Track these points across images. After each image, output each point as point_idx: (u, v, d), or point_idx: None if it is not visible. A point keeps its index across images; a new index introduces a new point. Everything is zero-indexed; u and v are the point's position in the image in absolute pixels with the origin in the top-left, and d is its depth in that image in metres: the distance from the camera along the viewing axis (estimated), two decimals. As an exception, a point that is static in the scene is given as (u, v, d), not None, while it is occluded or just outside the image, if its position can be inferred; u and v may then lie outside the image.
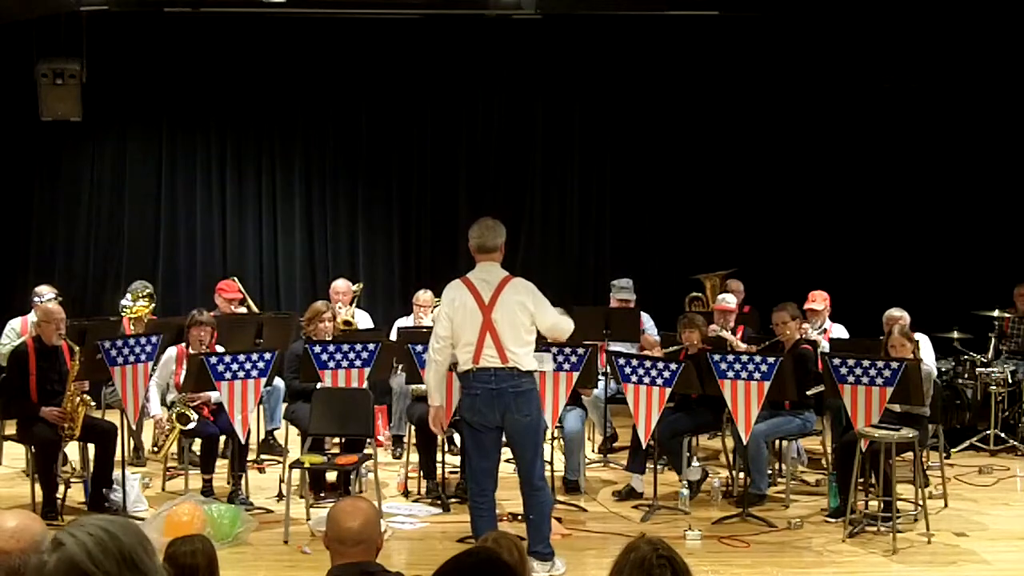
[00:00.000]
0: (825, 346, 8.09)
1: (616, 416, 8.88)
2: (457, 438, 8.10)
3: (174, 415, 7.36)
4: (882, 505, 6.79)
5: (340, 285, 9.42)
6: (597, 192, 11.64)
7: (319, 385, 7.31)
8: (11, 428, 7.54)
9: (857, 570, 6.27)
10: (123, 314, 8.82)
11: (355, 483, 7.44)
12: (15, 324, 8.74)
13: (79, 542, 2.16)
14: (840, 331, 8.79)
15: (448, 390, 7.07)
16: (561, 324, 6.09)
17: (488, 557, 2.82)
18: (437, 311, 6.03)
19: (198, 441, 7.55)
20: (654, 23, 11.03)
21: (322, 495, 7.47)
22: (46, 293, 8.57)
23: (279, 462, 7.99)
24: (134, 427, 8.14)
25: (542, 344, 7.19)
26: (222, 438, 7.54)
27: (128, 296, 8.93)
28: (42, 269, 10.85)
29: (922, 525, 6.80)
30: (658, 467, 7.36)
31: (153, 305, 8.99)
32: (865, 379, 6.67)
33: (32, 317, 8.38)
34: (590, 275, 11.53)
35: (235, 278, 9.78)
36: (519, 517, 6.83)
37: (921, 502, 6.90)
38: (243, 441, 7.13)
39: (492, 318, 5.82)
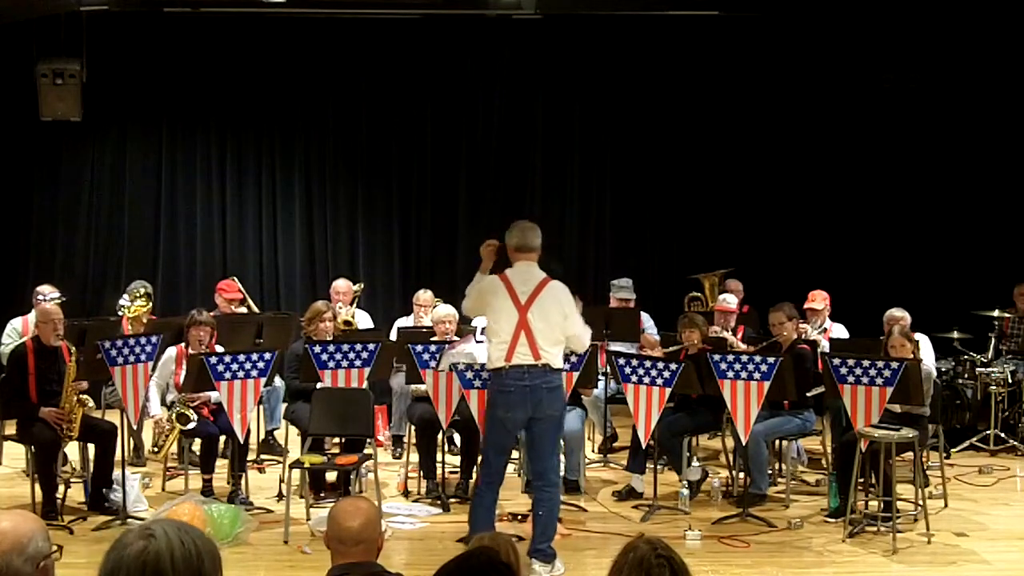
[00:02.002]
0: (825, 346, 8.09)
1: (616, 416, 8.88)
2: (457, 438, 8.10)
3: (174, 415, 7.36)
4: (882, 505, 6.78)
5: (340, 285, 9.42)
6: (597, 192, 11.64)
7: (319, 385, 7.31)
8: (11, 428, 7.54)
9: (857, 570, 6.27)
10: (121, 313, 8.82)
11: (355, 483, 7.44)
12: (16, 324, 8.73)
13: (170, 543, 2.21)
14: (840, 331, 8.79)
15: (448, 390, 7.10)
16: (584, 337, 6.25)
17: (491, 560, 2.82)
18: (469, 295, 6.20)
19: (198, 441, 7.55)
20: (654, 23, 11.04)
21: (322, 495, 7.47)
22: (48, 292, 8.57)
23: (279, 462, 7.99)
24: (134, 427, 8.14)
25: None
26: (222, 438, 7.54)
27: (126, 296, 8.92)
28: (42, 269, 10.84)
29: (922, 525, 6.80)
30: (658, 467, 7.36)
31: (150, 304, 8.96)
32: (865, 379, 6.67)
33: (33, 317, 8.39)
34: (590, 275, 11.52)
35: (235, 278, 9.78)
36: (519, 517, 6.85)
37: (921, 502, 6.90)
38: (243, 441, 7.13)
39: (527, 318, 5.91)
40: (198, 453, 7.56)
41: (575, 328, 6.12)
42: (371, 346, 7.34)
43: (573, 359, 7.15)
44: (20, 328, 8.61)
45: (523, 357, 5.89)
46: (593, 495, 7.71)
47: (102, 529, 6.79)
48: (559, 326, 5.99)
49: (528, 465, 6.78)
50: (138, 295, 8.82)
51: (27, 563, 2.41)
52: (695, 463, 7.88)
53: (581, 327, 6.20)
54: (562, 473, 7.66)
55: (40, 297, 8.44)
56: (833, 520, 7.01)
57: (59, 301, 8.21)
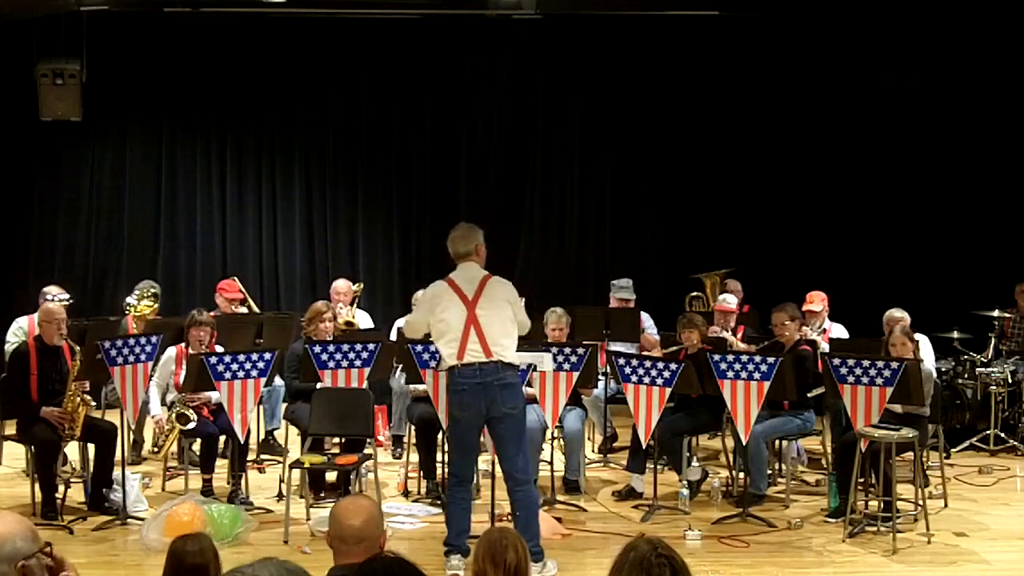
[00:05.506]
0: (824, 346, 8.08)
1: (616, 416, 8.88)
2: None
3: (174, 415, 7.36)
4: (882, 505, 6.79)
5: (341, 285, 9.41)
6: (597, 192, 11.64)
7: (319, 385, 7.31)
8: (11, 428, 7.54)
9: (857, 570, 6.26)
10: (127, 312, 8.83)
11: (355, 483, 7.43)
12: (22, 323, 8.73)
13: None
14: (840, 331, 8.79)
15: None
16: (525, 323, 6.28)
17: (394, 565, 2.80)
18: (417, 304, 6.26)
19: (198, 441, 7.55)
20: (654, 23, 11.04)
21: (322, 495, 7.47)
22: (56, 293, 8.56)
23: (279, 462, 7.99)
24: (133, 426, 8.15)
25: (542, 344, 7.22)
26: (222, 438, 7.54)
27: (135, 294, 8.93)
28: (42, 269, 10.86)
29: (922, 525, 6.80)
30: (658, 467, 7.36)
31: (157, 305, 8.98)
32: (865, 379, 6.67)
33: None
34: (590, 275, 11.53)
35: (235, 278, 9.77)
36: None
37: (921, 502, 6.90)
38: (243, 441, 7.13)
39: (476, 313, 5.94)
40: (198, 453, 7.56)
41: (519, 316, 6.16)
42: (371, 346, 7.34)
43: (573, 359, 7.15)
44: (26, 327, 8.59)
45: (474, 355, 5.91)
46: (593, 495, 7.71)
47: (102, 529, 6.79)
48: (509, 319, 6.03)
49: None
50: (146, 295, 8.83)
51: (3, 564, 2.38)
52: (695, 463, 7.88)
53: (523, 315, 6.23)
54: (562, 473, 7.72)
55: (49, 297, 8.43)
56: (833, 520, 7.01)
57: (67, 303, 8.21)
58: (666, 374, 6.94)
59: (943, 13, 10.38)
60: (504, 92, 11.48)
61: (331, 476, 7.61)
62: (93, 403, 7.25)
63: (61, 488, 7.13)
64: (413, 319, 6.47)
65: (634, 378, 7.03)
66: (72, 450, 7.53)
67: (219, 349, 7.57)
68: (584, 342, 7.62)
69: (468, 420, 5.99)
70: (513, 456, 6.03)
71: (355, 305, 9.45)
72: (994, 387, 8.85)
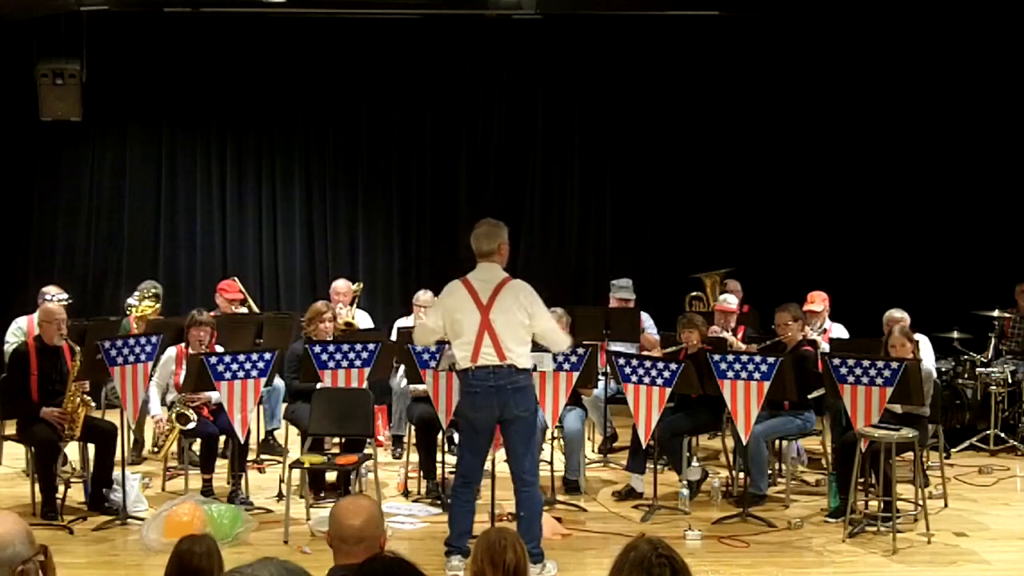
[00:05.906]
0: (825, 347, 8.08)
1: (616, 416, 8.88)
2: (457, 438, 8.09)
3: (174, 415, 7.36)
4: (882, 505, 6.79)
5: (340, 286, 9.41)
6: (597, 192, 11.64)
7: (319, 385, 7.31)
8: (11, 428, 7.54)
9: (857, 570, 6.26)
10: (128, 312, 8.84)
11: (355, 483, 7.43)
12: (22, 323, 8.73)
13: None
14: (840, 331, 8.79)
15: (448, 390, 7.11)
16: (555, 334, 6.18)
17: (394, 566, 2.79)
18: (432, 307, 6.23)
19: (198, 441, 7.55)
20: (654, 23, 11.04)
21: (322, 495, 7.47)
22: (56, 294, 8.57)
23: (279, 462, 7.99)
24: (133, 426, 8.15)
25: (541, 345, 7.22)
26: (222, 438, 7.54)
27: (136, 294, 8.94)
28: (42, 269, 10.87)
29: (922, 525, 6.80)
30: (658, 467, 7.36)
31: (158, 305, 8.99)
32: (865, 379, 6.67)
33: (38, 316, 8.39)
34: (590, 275, 11.53)
35: (236, 278, 9.77)
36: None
37: (921, 502, 6.90)
38: (243, 441, 7.13)
39: (490, 317, 5.93)
40: (198, 453, 7.56)
41: (542, 323, 6.05)
42: (371, 346, 7.34)
43: (573, 359, 7.15)
44: (25, 327, 8.60)
45: (488, 358, 5.91)
46: (593, 495, 7.71)
47: (102, 529, 6.79)
48: (523, 325, 5.97)
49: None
50: (147, 295, 8.85)
51: (3, 568, 2.37)
52: (695, 463, 7.88)
53: (549, 323, 6.15)
54: (562, 473, 7.72)
55: (48, 297, 8.43)
56: (833, 520, 7.01)
57: (66, 303, 8.21)
58: (666, 374, 6.94)
59: (943, 13, 10.38)
60: (504, 92, 11.48)
61: (331, 476, 7.62)
62: (93, 403, 7.25)
63: (61, 488, 7.13)
64: (428, 321, 6.38)
65: (634, 378, 7.03)
66: (72, 450, 7.53)
67: (219, 349, 7.57)
68: (584, 342, 7.61)
69: (480, 421, 5.99)
70: (522, 457, 6.05)
71: (355, 305, 9.45)
72: (994, 387, 8.85)
